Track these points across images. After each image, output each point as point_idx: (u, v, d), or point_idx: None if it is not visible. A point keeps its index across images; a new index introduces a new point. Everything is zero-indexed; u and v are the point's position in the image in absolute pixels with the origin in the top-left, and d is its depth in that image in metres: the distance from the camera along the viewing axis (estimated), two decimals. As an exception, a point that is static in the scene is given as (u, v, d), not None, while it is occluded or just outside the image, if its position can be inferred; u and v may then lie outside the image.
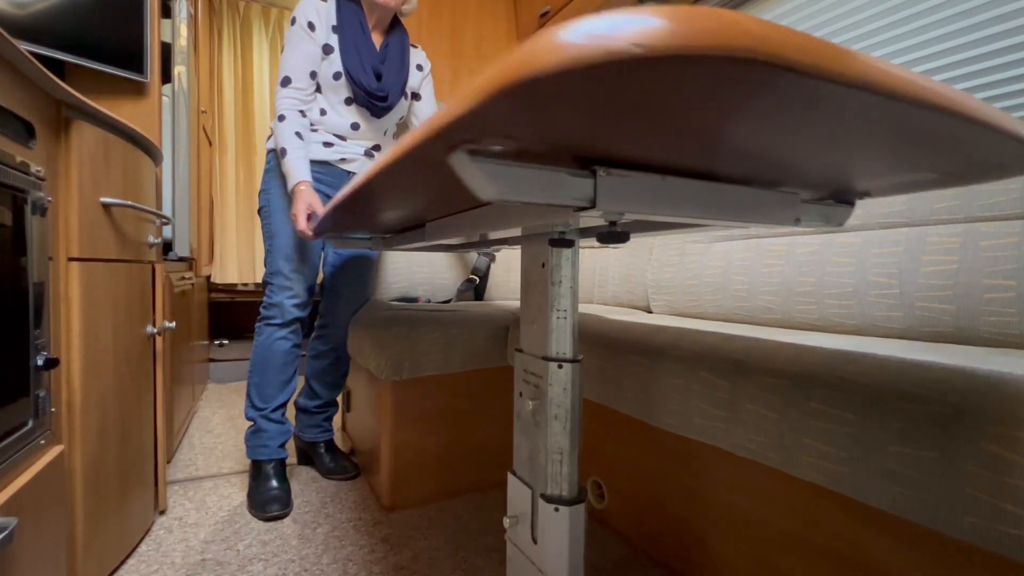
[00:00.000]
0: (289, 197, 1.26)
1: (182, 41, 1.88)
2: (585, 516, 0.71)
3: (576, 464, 0.72)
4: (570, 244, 0.70)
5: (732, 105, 0.30)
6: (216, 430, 1.88)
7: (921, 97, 0.30)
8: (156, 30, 1.57)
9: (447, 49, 2.30)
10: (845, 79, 0.26)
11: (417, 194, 0.59)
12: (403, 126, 1.56)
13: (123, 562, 1.04)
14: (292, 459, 1.54)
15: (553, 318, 0.71)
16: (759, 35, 0.23)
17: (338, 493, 1.37)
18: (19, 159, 0.69)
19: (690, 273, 1.48)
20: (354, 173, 1.42)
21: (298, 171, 1.23)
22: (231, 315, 3.02)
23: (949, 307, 0.93)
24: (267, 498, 1.26)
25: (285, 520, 1.23)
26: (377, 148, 1.47)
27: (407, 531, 1.17)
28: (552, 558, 0.69)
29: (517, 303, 1.83)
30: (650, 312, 1.64)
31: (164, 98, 1.72)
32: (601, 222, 0.54)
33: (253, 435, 1.37)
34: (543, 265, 0.72)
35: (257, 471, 1.35)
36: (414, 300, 1.84)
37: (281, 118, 1.25)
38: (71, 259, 0.85)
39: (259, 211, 1.41)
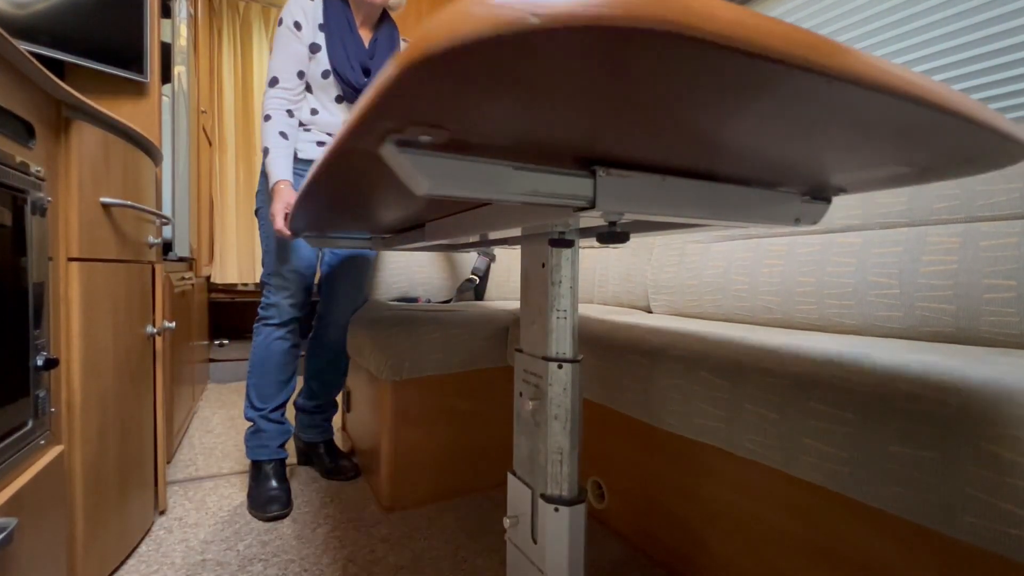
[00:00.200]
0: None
1: (182, 41, 1.88)
2: (585, 516, 0.71)
3: (576, 464, 0.72)
4: (570, 244, 0.70)
5: (664, 87, 0.28)
6: (216, 430, 1.88)
7: (883, 82, 0.28)
8: (156, 30, 1.57)
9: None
10: (788, 59, 0.25)
11: (376, 191, 0.57)
12: None
13: (123, 562, 1.04)
14: (292, 459, 1.54)
15: (553, 318, 0.71)
16: (679, 6, 0.21)
17: (338, 493, 1.37)
18: (19, 159, 0.69)
19: (690, 273, 1.48)
20: None
21: (279, 170, 1.23)
22: (231, 315, 3.02)
23: (949, 307, 0.93)
24: (267, 498, 1.26)
25: (285, 520, 1.23)
26: None
27: (407, 531, 1.17)
28: (552, 558, 0.69)
29: (517, 303, 1.83)
30: (650, 312, 1.64)
31: (164, 98, 1.72)
32: (601, 222, 0.54)
33: (253, 435, 1.37)
34: (543, 265, 0.72)
35: (257, 471, 1.35)
36: (414, 300, 1.84)
37: (267, 118, 1.26)
38: (71, 259, 0.85)
39: (256, 212, 1.41)
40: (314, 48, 1.29)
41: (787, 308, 1.20)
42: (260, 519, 1.23)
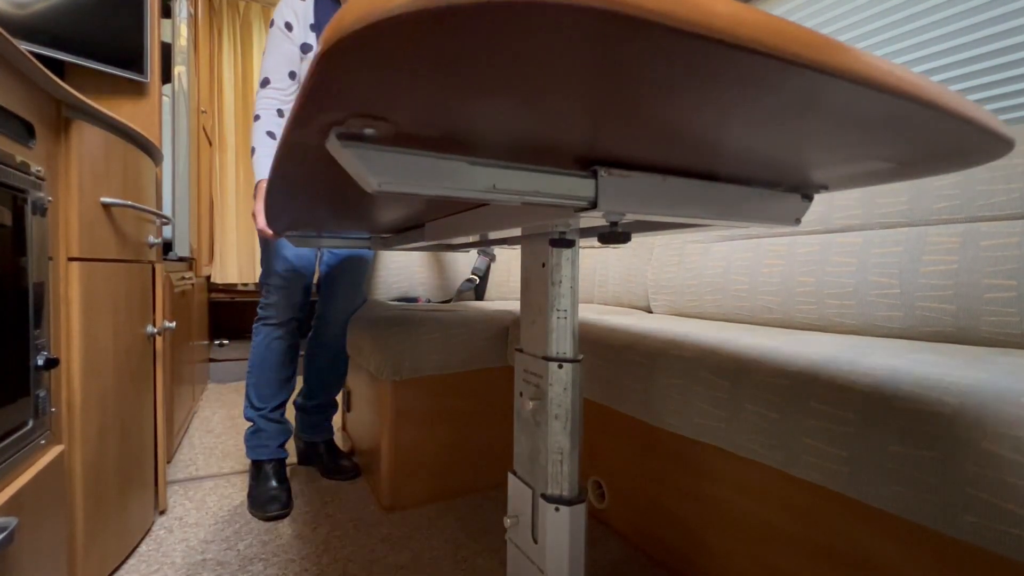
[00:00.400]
0: None
1: (182, 41, 1.88)
2: (585, 516, 0.71)
3: (576, 464, 0.72)
4: (570, 244, 0.70)
5: (614, 74, 0.27)
6: (216, 430, 1.88)
7: (874, 78, 0.28)
8: (156, 30, 1.57)
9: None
10: (782, 54, 0.24)
11: (348, 188, 0.56)
12: None
13: (123, 562, 1.04)
14: (292, 459, 1.54)
15: (553, 318, 0.71)
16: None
17: (338, 493, 1.37)
18: (19, 159, 0.69)
19: (690, 273, 1.48)
20: None
21: (262, 169, 1.24)
22: (231, 315, 3.02)
23: (949, 307, 0.93)
24: (267, 498, 1.26)
25: (285, 520, 1.23)
26: None
27: (407, 531, 1.17)
28: (552, 558, 0.69)
29: (517, 303, 1.83)
30: (650, 312, 1.64)
31: (164, 98, 1.72)
32: (602, 222, 0.54)
33: (253, 435, 1.37)
34: (543, 265, 0.72)
35: (257, 471, 1.35)
36: (414, 300, 1.84)
37: (256, 118, 1.27)
38: (71, 259, 0.85)
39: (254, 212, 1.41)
40: (305, 48, 1.29)
41: (787, 308, 1.20)
42: (260, 519, 1.23)
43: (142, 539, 1.12)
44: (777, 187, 0.57)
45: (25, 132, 0.72)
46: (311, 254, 1.41)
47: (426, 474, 1.32)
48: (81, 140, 0.87)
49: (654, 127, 0.37)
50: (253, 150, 1.26)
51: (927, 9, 1.23)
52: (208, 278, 2.77)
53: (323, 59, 0.24)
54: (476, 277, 1.93)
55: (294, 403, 1.52)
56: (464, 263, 1.97)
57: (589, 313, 1.48)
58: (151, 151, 1.18)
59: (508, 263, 2.04)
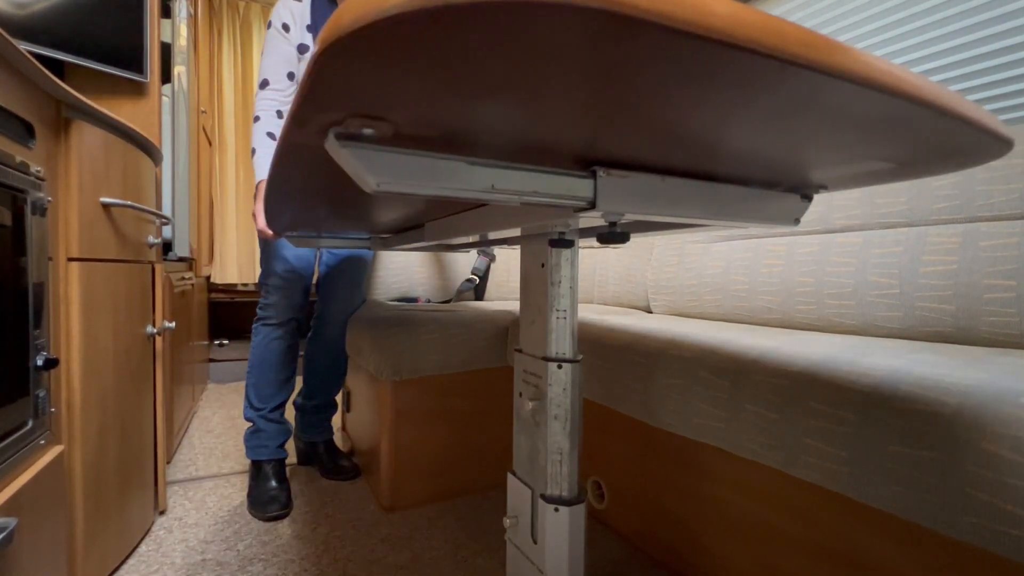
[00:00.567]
0: None
1: (182, 41, 1.88)
2: (585, 516, 0.71)
3: (576, 464, 0.72)
4: (570, 244, 0.70)
5: (612, 74, 0.27)
6: (216, 430, 1.88)
7: (873, 78, 0.28)
8: (156, 30, 1.57)
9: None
10: (781, 55, 0.24)
11: (347, 188, 0.56)
12: None
13: (123, 562, 1.04)
14: (292, 459, 1.54)
15: (553, 318, 0.71)
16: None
17: (338, 493, 1.37)
18: (19, 159, 0.69)
19: (690, 273, 1.48)
20: None
21: (263, 169, 1.24)
22: (231, 315, 3.02)
23: (949, 307, 0.93)
24: (267, 498, 1.26)
25: (285, 520, 1.23)
26: None
27: (407, 531, 1.17)
28: (552, 558, 0.69)
29: (517, 303, 1.83)
30: (650, 312, 1.64)
31: (164, 98, 1.72)
32: (601, 222, 0.54)
33: (252, 435, 1.37)
34: (543, 265, 0.72)
35: (257, 471, 1.35)
36: (414, 300, 1.84)
37: (256, 119, 1.27)
38: (71, 259, 0.85)
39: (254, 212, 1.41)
40: (302, 49, 1.30)
41: (787, 308, 1.20)
42: (260, 519, 1.23)
43: (142, 539, 1.12)
44: (776, 187, 0.57)
45: (25, 132, 0.72)
46: (310, 255, 1.41)
47: (426, 474, 1.32)
48: (81, 140, 0.87)
49: (653, 127, 0.37)
50: (253, 151, 1.26)
51: (927, 9, 1.23)
52: (208, 278, 2.77)
53: (321, 59, 0.24)
54: (476, 277, 1.93)
55: (294, 403, 1.52)
56: (464, 263, 1.97)
57: (589, 313, 1.48)
58: (151, 151, 1.18)
59: (508, 263, 2.04)
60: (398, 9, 0.20)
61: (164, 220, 1.23)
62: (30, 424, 0.73)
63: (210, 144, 2.78)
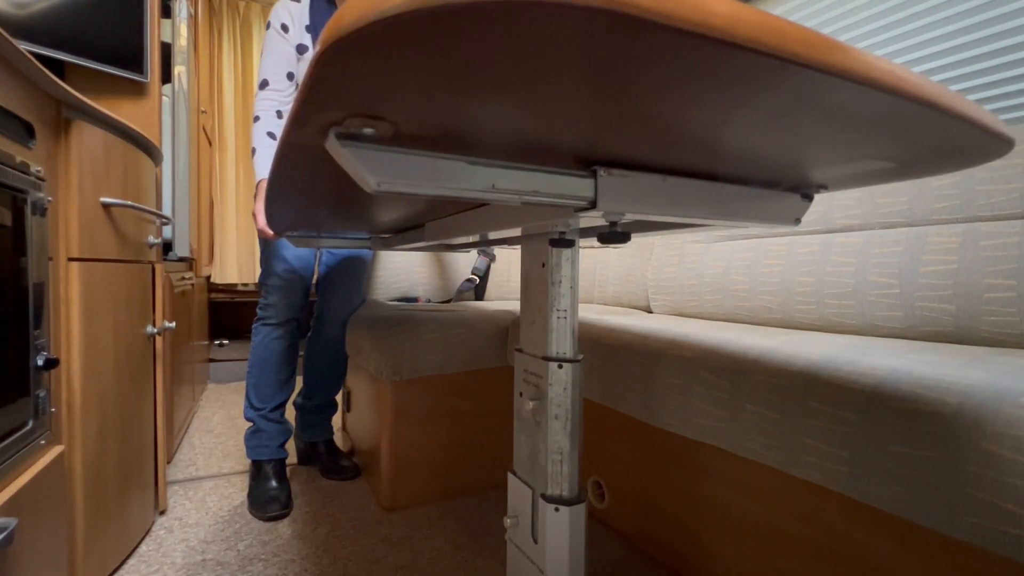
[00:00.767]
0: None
1: (182, 41, 1.88)
2: (585, 516, 0.71)
3: (576, 464, 0.72)
4: (570, 244, 0.70)
5: (613, 73, 0.27)
6: (216, 430, 1.88)
7: (874, 78, 0.28)
8: (156, 30, 1.57)
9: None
10: (781, 54, 0.24)
11: (347, 188, 0.56)
12: None
13: (123, 562, 1.04)
14: (292, 459, 1.54)
15: (553, 318, 0.71)
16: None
17: (338, 493, 1.37)
18: (19, 159, 0.69)
19: (690, 273, 1.48)
20: None
21: (263, 168, 1.25)
22: (231, 315, 3.02)
23: (949, 307, 0.93)
24: (267, 498, 1.26)
25: (285, 520, 1.23)
26: None
27: (407, 531, 1.17)
28: (552, 558, 0.69)
29: (517, 303, 1.83)
30: (650, 312, 1.64)
31: (164, 98, 1.72)
32: (601, 222, 0.54)
33: (253, 435, 1.37)
34: (543, 265, 0.72)
35: (257, 471, 1.35)
36: (414, 300, 1.84)
37: (256, 119, 1.28)
38: (71, 259, 0.85)
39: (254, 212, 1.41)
40: (301, 49, 1.30)
41: (787, 308, 1.20)
42: (260, 519, 1.23)
43: (142, 539, 1.12)
44: (777, 187, 0.57)
45: (25, 132, 0.72)
46: (310, 255, 1.41)
47: (426, 474, 1.32)
48: (81, 140, 0.87)
49: (653, 127, 0.37)
50: (254, 150, 1.26)
51: (927, 9, 1.23)
52: (208, 278, 2.77)
53: (321, 59, 0.24)
54: (476, 277, 1.93)
55: (294, 403, 1.52)
56: (464, 263, 1.97)
57: (589, 313, 1.48)
58: (151, 151, 1.18)
59: (508, 263, 2.04)
60: (398, 9, 0.20)
61: (164, 220, 1.23)
62: (30, 424, 0.73)
63: (210, 144, 2.78)
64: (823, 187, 0.58)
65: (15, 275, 0.69)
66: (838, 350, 0.78)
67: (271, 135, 1.27)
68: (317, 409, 1.53)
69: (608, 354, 1.05)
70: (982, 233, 0.92)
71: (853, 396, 0.66)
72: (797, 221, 0.59)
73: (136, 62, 1.47)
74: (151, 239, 1.18)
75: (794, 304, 1.19)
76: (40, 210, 0.75)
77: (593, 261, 1.94)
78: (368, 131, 0.35)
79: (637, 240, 1.76)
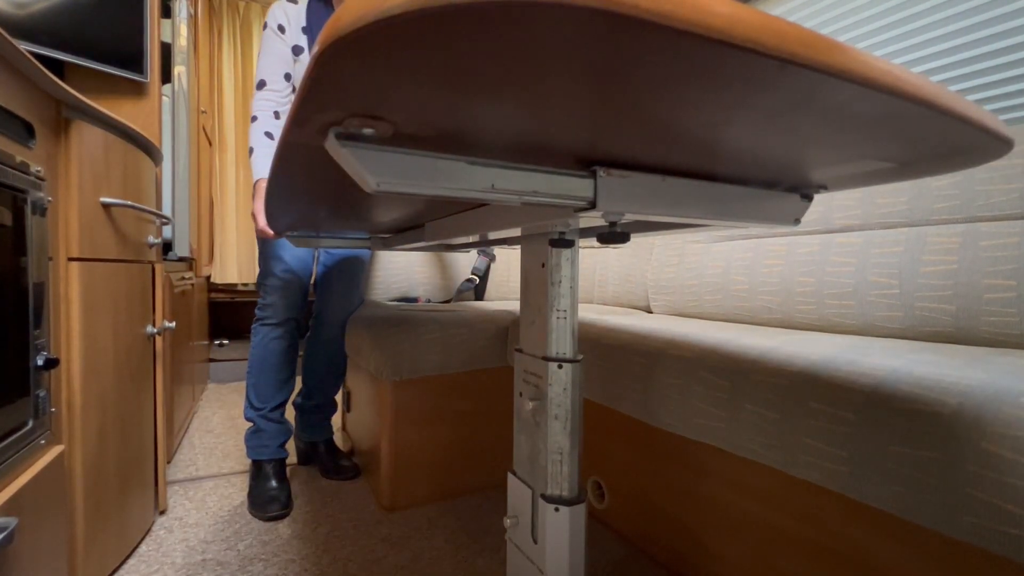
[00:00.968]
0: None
1: (182, 41, 1.88)
2: (585, 516, 0.71)
3: (576, 464, 0.72)
4: (570, 244, 0.70)
5: (612, 74, 0.27)
6: (216, 430, 1.88)
7: (873, 78, 0.28)
8: (156, 30, 1.57)
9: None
10: (781, 55, 0.24)
11: (347, 187, 0.56)
12: None
13: (123, 562, 1.04)
14: (292, 459, 1.54)
15: (553, 318, 0.71)
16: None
17: (338, 493, 1.37)
18: (19, 159, 0.69)
19: (690, 273, 1.48)
20: None
21: (261, 168, 1.25)
22: (231, 315, 3.02)
23: (949, 307, 0.93)
24: (267, 498, 1.26)
25: (285, 520, 1.23)
26: None
27: (407, 531, 1.17)
28: (552, 558, 0.69)
29: (517, 303, 1.83)
30: (650, 312, 1.64)
31: (164, 98, 1.72)
32: (601, 222, 0.54)
33: (253, 435, 1.37)
34: (543, 265, 0.72)
35: (257, 471, 1.35)
36: (414, 300, 1.84)
37: (253, 119, 1.28)
38: (71, 259, 0.85)
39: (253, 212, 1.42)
40: (297, 50, 1.30)
41: (787, 308, 1.20)
42: (260, 519, 1.23)
43: (142, 539, 1.12)
44: (776, 187, 0.57)
45: (25, 132, 0.72)
46: (308, 255, 1.41)
47: (426, 474, 1.32)
48: (81, 140, 0.87)
49: (653, 127, 0.37)
50: (251, 150, 1.26)
51: (927, 9, 1.23)
52: (208, 278, 2.77)
53: (320, 59, 0.24)
54: (476, 277, 1.93)
55: (293, 403, 1.52)
56: (464, 263, 1.97)
57: (589, 313, 1.48)
58: (151, 151, 1.18)
59: (508, 263, 2.04)
60: (398, 9, 0.20)
61: (164, 220, 1.23)
62: (30, 424, 0.73)
63: (210, 144, 2.79)
64: (823, 187, 0.58)
65: (15, 275, 0.69)
66: (838, 350, 0.78)
67: (268, 135, 1.27)
68: (316, 409, 1.53)
69: (608, 354, 1.05)
70: (982, 233, 0.92)
71: (853, 396, 0.66)
72: (797, 221, 0.59)
73: (136, 62, 1.47)
74: (151, 239, 1.18)
75: (794, 304, 1.19)
76: (40, 210, 0.75)
77: (593, 261, 1.94)
78: (368, 131, 0.35)
79: (637, 240, 1.76)
